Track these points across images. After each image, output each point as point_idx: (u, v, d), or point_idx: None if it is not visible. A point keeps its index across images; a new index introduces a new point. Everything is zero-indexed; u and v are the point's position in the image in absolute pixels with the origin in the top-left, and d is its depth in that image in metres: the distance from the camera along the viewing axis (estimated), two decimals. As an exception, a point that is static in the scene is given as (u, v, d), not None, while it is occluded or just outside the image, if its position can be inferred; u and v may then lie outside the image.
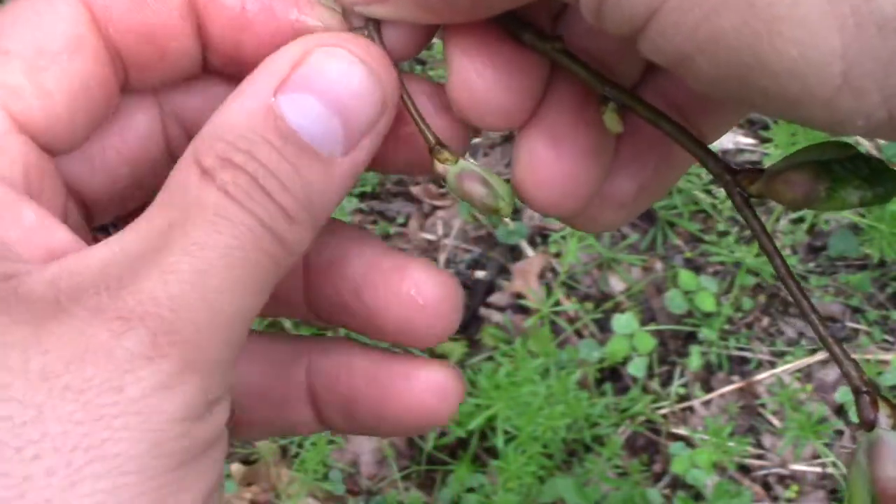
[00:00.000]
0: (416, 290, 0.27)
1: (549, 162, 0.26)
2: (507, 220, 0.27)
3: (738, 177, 0.24)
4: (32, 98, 0.24)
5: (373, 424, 0.29)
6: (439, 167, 0.26)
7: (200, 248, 0.22)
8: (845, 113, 0.19)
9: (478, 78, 0.25)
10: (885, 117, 0.19)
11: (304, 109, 0.23)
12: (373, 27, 0.25)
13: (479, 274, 1.09)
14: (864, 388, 0.23)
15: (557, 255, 1.07)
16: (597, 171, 0.26)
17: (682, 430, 1.00)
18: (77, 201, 0.27)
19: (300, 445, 0.99)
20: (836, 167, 0.23)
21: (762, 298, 1.06)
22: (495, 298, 1.07)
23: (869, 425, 0.23)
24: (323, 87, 0.24)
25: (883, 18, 0.18)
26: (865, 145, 1.04)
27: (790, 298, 1.00)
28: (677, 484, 0.98)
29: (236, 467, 1.00)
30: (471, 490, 0.96)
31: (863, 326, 1.04)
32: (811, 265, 1.07)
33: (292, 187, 0.23)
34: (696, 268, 1.07)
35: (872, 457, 0.23)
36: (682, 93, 0.27)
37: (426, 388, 0.28)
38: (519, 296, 1.06)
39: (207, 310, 0.21)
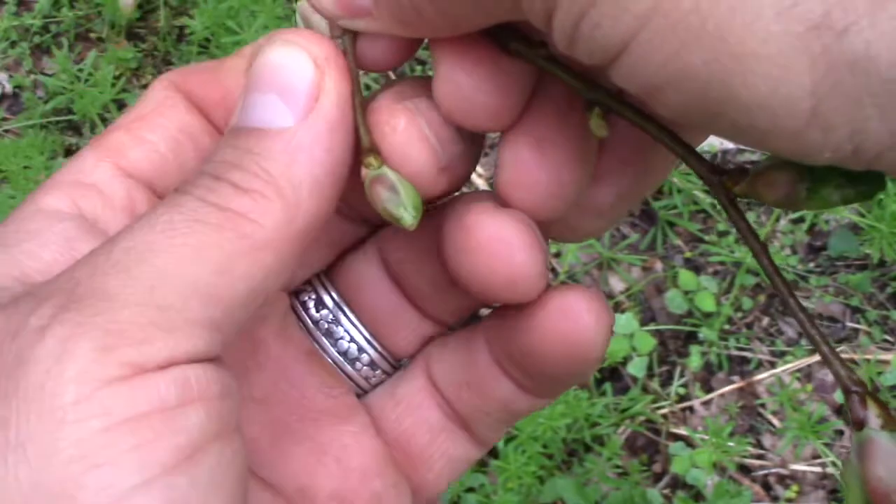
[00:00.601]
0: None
1: (534, 165, 0.26)
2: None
3: (723, 177, 0.24)
4: (134, 147, 0.27)
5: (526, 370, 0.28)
6: (363, 171, 0.26)
7: (136, 230, 0.23)
8: (812, 146, 0.19)
9: (465, 77, 0.25)
10: (850, 150, 0.19)
11: (247, 104, 0.25)
12: (348, 38, 0.26)
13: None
14: (854, 388, 0.23)
15: (557, 254, 1.07)
16: (580, 176, 0.26)
17: (682, 430, 1.00)
18: None
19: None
20: (817, 167, 0.23)
21: (762, 298, 1.06)
22: (495, 298, 1.07)
23: (859, 425, 0.23)
24: (254, 77, 0.25)
25: (854, 57, 0.18)
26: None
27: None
28: (677, 484, 0.98)
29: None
30: (470, 490, 0.96)
31: (863, 326, 1.04)
32: (811, 265, 1.07)
33: (243, 164, 0.24)
34: (696, 268, 1.07)
35: (862, 456, 0.23)
36: None
37: (557, 313, 0.27)
38: (519, 296, 1.06)
39: (123, 274, 0.22)
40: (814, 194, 0.23)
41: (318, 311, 0.31)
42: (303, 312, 0.31)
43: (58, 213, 0.26)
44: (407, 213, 0.26)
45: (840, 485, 0.96)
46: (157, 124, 0.28)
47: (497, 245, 0.26)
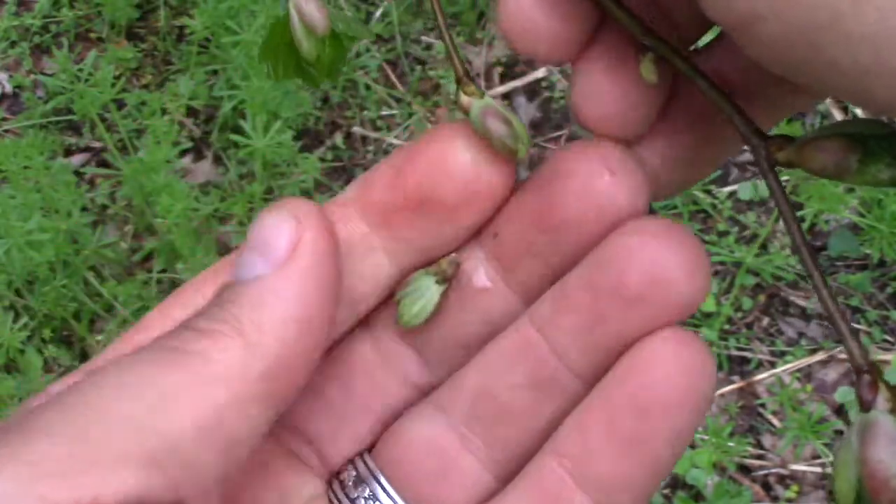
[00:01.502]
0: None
1: (606, 85, 0.26)
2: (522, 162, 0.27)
3: (767, 142, 0.24)
4: (160, 330, 0.27)
5: None
6: (464, 99, 0.26)
7: (91, 374, 0.22)
8: None
9: (532, 4, 0.25)
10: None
11: (235, 265, 0.25)
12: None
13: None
14: (866, 368, 0.23)
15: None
16: (650, 101, 0.26)
17: (682, 430, 1.00)
18: None
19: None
20: (870, 141, 0.22)
21: (762, 298, 1.06)
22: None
23: (866, 406, 0.22)
24: (246, 240, 0.25)
25: None
26: None
27: (790, 298, 0.99)
28: (677, 484, 0.98)
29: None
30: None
31: (863, 326, 1.04)
32: (811, 265, 1.07)
33: (212, 311, 0.24)
34: (696, 268, 1.07)
35: (865, 438, 0.22)
36: (733, 72, 0.26)
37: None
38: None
39: (56, 410, 0.21)
40: (864, 167, 0.22)
41: (356, 490, 0.29)
42: (342, 495, 0.29)
43: None
44: (522, 146, 0.25)
45: (840, 485, 0.97)
46: (194, 306, 0.27)
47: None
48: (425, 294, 0.28)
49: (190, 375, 0.22)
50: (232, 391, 0.23)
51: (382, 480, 0.28)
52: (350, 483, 0.29)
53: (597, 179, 0.26)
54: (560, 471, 0.26)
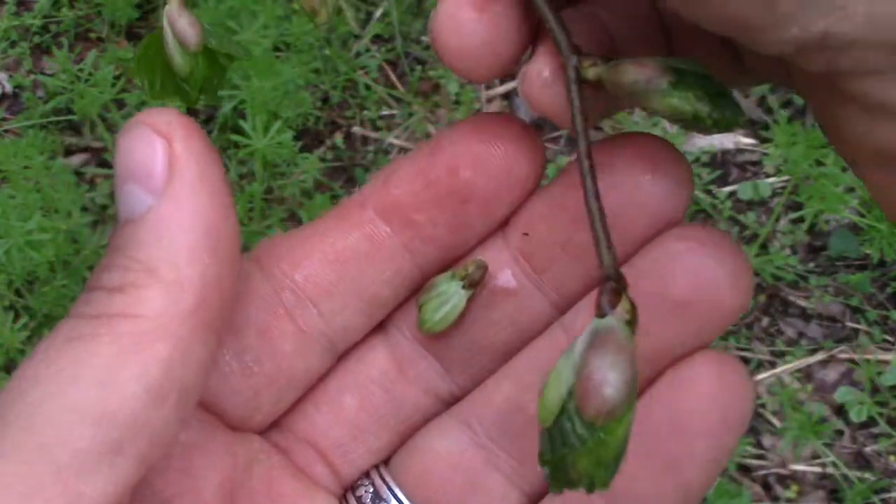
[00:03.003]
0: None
1: (469, 11, 0.24)
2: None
3: (581, 57, 0.23)
4: None
5: None
6: None
7: (18, 371, 0.21)
8: (783, 16, 0.18)
9: (469, 24, 0.23)
10: (819, 33, 0.18)
11: (117, 201, 0.23)
12: None
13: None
14: (615, 276, 0.21)
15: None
16: (518, 33, 0.24)
17: (682, 430, 1.00)
18: None
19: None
20: (688, 74, 0.21)
21: (762, 298, 1.06)
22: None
23: (602, 312, 0.21)
24: (116, 171, 0.23)
25: None
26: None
27: (790, 298, 0.98)
28: (677, 484, 0.98)
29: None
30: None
31: (863, 326, 1.04)
32: (811, 265, 1.07)
33: (113, 262, 0.22)
34: (696, 268, 1.07)
35: (593, 343, 0.20)
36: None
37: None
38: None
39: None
40: (673, 91, 0.21)
41: None
42: None
43: None
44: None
45: (840, 485, 0.96)
46: None
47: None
48: (451, 299, 0.27)
49: (123, 339, 0.21)
50: (171, 340, 0.21)
51: (401, 496, 0.27)
52: (367, 499, 0.27)
53: (639, 175, 0.25)
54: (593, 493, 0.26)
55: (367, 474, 0.28)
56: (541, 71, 0.24)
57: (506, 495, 0.27)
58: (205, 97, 0.27)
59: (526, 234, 0.27)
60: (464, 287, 0.27)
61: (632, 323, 0.21)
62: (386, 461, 0.28)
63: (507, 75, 0.26)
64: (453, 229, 0.27)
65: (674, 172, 0.25)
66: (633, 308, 0.21)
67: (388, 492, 0.27)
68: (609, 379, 0.20)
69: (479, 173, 0.26)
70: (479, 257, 0.27)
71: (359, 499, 0.27)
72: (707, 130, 0.22)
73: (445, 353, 0.28)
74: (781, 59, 0.22)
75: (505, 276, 0.27)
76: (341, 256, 0.27)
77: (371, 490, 0.28)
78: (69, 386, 0.20)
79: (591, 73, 0.23)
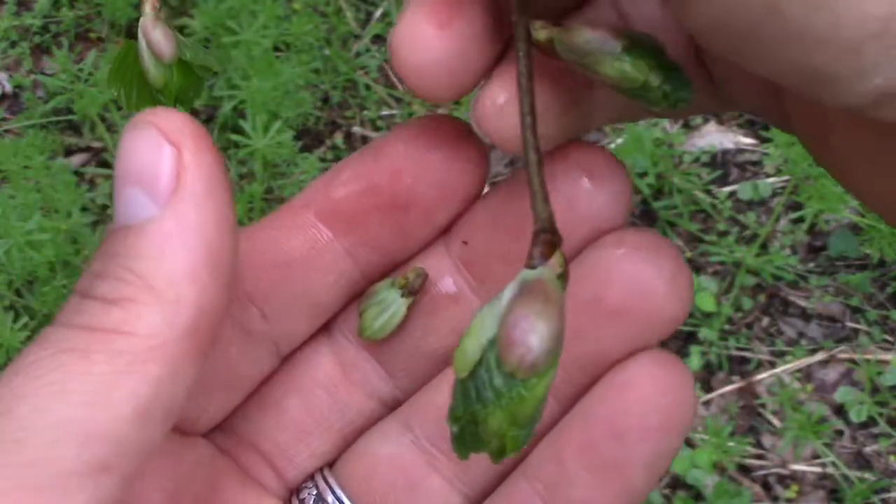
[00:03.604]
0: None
1: (429, 27, 0.22)
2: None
3: (532, 19, 0.22)
4: None
5: None
6: None
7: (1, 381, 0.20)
8: (867, 66, 0.17)
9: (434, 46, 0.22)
10: None
11: (115, 203, 0.22)
12: None
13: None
14: (549, 229, 0.21)
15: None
16: (479, 52, 0.23)
17: (682, 430, 1.00)
18: None
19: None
20: (641, 44, 0.21)
21: (762, 298, 1.06)
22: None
23: (533, 264, 0.20)
24: (116, 171, 0.22)
25: None
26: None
27: (790, 298, 0.98)
28: (677, 484, 0.98)
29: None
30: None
31: (863, 326, 1.04)
32: (811, 265, 1.07)
33: (109, 271, 0.21)
34: (697, 268, 1.07)
35: (521, 292, 0.19)
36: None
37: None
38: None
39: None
40: (625, 56, 0.20)
41: None
42: None
43: None
44: None
45: (840, 485, 0.97)
46: None
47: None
48: (391, 307, 0.27)
49: (117, 358, 0.20)
50: (163, 362, 0.20)
51: (344, 499, 0.27)
52: (311, 502, 0.27)
53: (575, 185, 0.25)
54: (532, 494, 0.25)
55: (311, 477, 0.28)
56: (496, 97, 0.23)
57: (447, 498, 0.27)
58: (180, 108, 0.26)
59: (465, 243, 0.26)
60: (403, 295, 0.27)
61: (563, 277, 0.20)
62: (331, 464, 0.28)
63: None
64: (395, 236, 0.26)
65: (613, 181, 0.25)
66: (565, 263, 0.20)
67: (331, 494, 0.27)
68: (536, 328, 0.19)
69: (421, 180, 0.25)
70: (420, 265, 0.27)
71: (302, 501, 0.27)
72: (655, 104, 0.21)
73: (388, 357, 0.28)
74: (772, 93, 0.22)
75: (446, 283, 0.27)
76: (284, 260, 0.26)
77: (315, 493, 0.27)
78: (57, 402, 0.19)
79: (543, 34, 0.22)
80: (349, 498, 0.27)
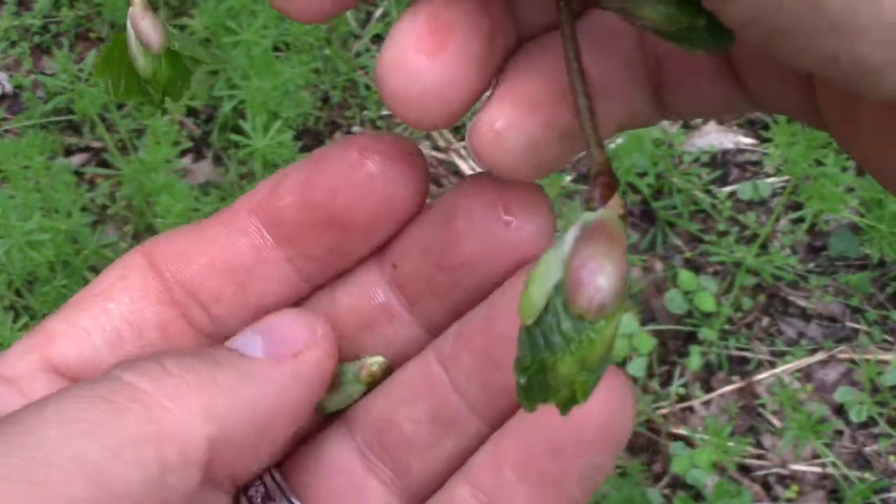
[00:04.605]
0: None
1: (421, 55, 0.22)
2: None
3: None
4: (66, 338, 0.25)
5: None
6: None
7: (39, 402, 0.21)
8: (891, 57, 0.16)
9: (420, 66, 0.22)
10: None
11: (238, 336, 0.25)
12: None
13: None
14: (606, 171, 0.20)
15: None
16: (474, 79, 0.22)
17: (682, 430, 1.00)
18: None
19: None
20: None
21: (762, 298, 1.06)
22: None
23: (595, 206, 0.20)
24: (260, 322, 0.25)
25: None
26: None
27: (790, 298, 0.98)
28: (677, 484, 0.98)
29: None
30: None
31: (863, 326, 1.04)
32: (811, 265, 1.07)
33: (186, 357, 0.23)
34: (696, 268, 1.07)
35: (585, 234, 0.19)
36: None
37: None
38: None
39: (3, 446, 0.20)
40: (667, 0, 0.19)
41: None
42: None
43: None
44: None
45: (840, 485, 0.96)
46: (99, 310, 0.26)
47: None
48: (348, 390, 0.28)
49: (147, 427, 0.21)
50: (182, 455, 0.22)
51: (292, 497, 0.28)
52: (258, 500, 0.28)
53: (493, 219, 0.25)
54: (472, 502, 0.26)
55: (259, 476, 0.28)
56: (493, 122, 0.22)
57: (388, 502, 0.27)
58: (169, 99, 0.27)
59: (394, 267, 0.27)
60: (366, 384, 0.28)
61: (623, 218, 0.20)
62: (279, 465, 0.28)
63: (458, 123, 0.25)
64: (333, 251, 0.26)
65: (536, 213, 0.25)
66: (625, 205, 0.20)
67: (279, 492, 0.28)
68: (604, 268, 0.18)
69: (358, 201, 0.25)
70: (356, 280, 0.27)
71: (250, 499, 0.28)
72: (699, 46, 0.20)
73: None
74: (805, 94, 0.21)
75: (380, 298, 0.27)
76: (229, 264, 0.27)
77: (262, 490, 0.28)
78: (80, 439, 0.20)
79: None
80: (297, 497, 0.28)
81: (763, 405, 1.01)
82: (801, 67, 0.18)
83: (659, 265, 1.08)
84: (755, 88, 0.24)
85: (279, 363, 0.24)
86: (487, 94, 0.24)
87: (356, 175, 0.25)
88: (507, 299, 0.25)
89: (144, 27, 0.25)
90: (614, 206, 0.20)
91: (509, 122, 0.22)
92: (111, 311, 0.26)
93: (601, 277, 0.18)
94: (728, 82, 0.24)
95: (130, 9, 0.25)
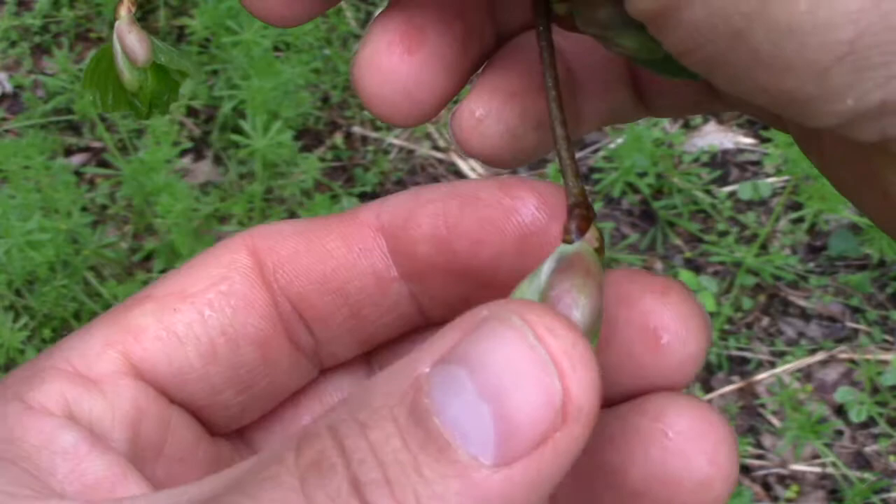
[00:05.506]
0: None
1: (395, 55, 0.22)
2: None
3: None
4: (155, 339, 0.23)
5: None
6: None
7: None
8: (837, 88, 0.17)
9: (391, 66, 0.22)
10: (876, 103, 0.17)
11: (453, 386, 0.17)
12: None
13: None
14: (583, 204, 0.21)
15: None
16: (448, 83, 0.23)
17: (682, 430, 1.00)
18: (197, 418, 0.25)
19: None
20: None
21: (762, 298, 1.06)
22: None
23: (571, 238, 0.20)
24: (477, 361, 0.17)
25: None
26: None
27: (790, 298, 0.98)
28: (677, 484, 0.98)
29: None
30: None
31: (863, 326, 1.04)
32: (811, 265, 1.07)
33: (398, 488, 0.16)
34: (696, 268, 1.07)
35: (561, 267, 0.19)
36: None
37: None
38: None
39: None
40: (644, 30, 0.19)
41: None
42: None
43: (52, 419, 0.21)
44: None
45: (840, 484, 0.97)
46: (195, 318, 0.23)
47: None
48: None
49: None
50: None
51: None
52: None
53: (649, 339, 0.22)
54: None
55: None
56: (473, 110, 0.23)
57: None
58: (156, 112, 0.26)
59: None
60: None
61: (600, 251, 0.20)
62: None
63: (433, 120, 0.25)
64: (466, 302, 0.23)
65: (688, 342, 0.22)
66: (601, 237, 0.21)
67: None
68: (579, 302, 0.18)
69: (501, 256, 0.23)
70: None
71: None
72: (674, 76, 0.21)
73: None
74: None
75: None
76: (344, 286, 0.25)
77: None
78: None
79: (563, 8, 0.21)
80: None
81: (763, 405, 1.02)
82: (738, 95, 0.18)
83: (659, 265, 1.08)
84: (724, 93, 0.24)
85: (509, 470, 0.17)
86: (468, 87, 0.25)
87: (507, 225, 0.23)
88: (621, 432, 0.22)
89: (130, 41, 0.25)
90: (590, 239, 0.20)
91: (488, 109, 0.23)
92: (209, 319, 0.23)
93: (576, 311, 0.19)
94: (699, 86, 0.24)
95: (117, 22, 0.25)
